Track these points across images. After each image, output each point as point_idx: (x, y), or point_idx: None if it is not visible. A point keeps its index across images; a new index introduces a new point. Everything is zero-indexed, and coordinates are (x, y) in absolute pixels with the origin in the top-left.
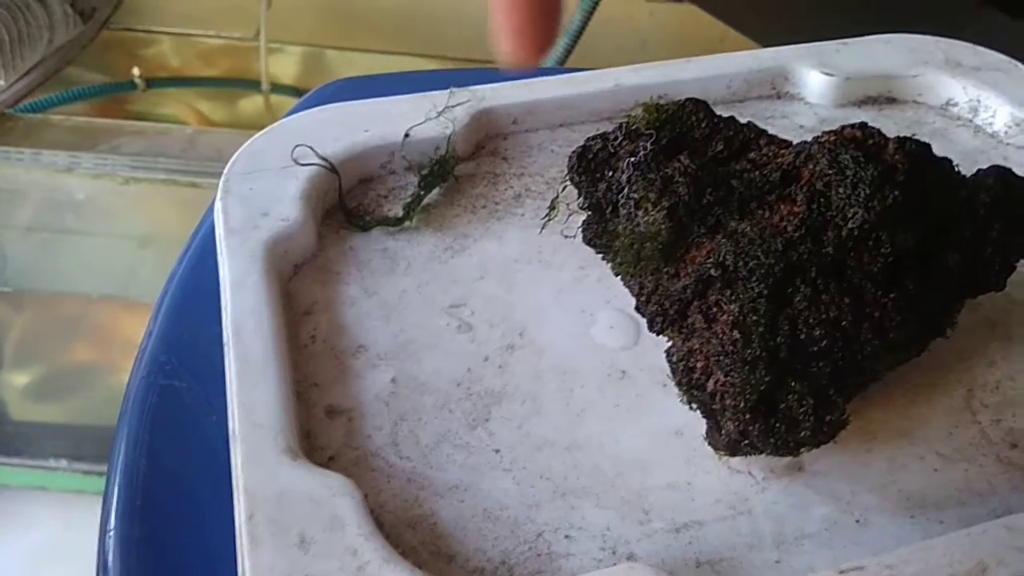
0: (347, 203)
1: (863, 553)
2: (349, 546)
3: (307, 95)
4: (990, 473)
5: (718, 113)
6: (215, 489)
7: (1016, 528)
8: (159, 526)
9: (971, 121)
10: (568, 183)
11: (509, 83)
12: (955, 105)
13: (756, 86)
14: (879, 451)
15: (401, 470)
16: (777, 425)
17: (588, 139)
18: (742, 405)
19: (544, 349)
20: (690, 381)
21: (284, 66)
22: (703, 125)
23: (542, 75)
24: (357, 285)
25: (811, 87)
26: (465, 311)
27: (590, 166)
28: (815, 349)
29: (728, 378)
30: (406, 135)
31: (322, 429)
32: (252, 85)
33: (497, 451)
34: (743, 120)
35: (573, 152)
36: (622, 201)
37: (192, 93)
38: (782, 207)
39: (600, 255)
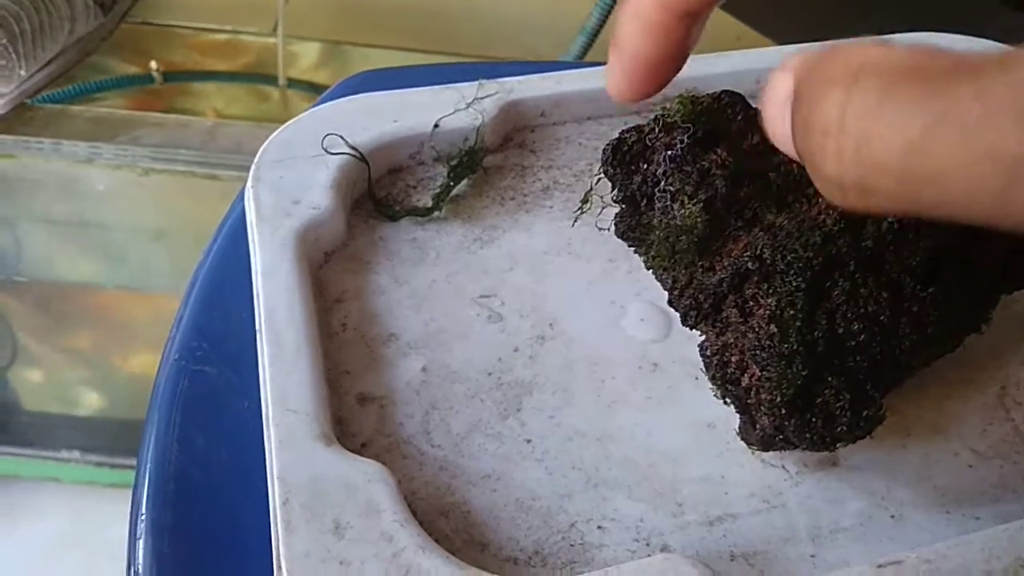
0: (376, 193)
1: (898, 548)
2: (385, 532)
3: (334, 86)
4: None
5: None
6: (247, 475)
7: None
8: (191, 511)
9: None
10: (601, 176)
11: (537, 76)
12: None
13: None
14: (914, 447)
15: (433, 458)
16: (813, 420)
17: (623, 131)
18: (778, 400)
19: (574, 340)
20: (724, 376)
21: (301, 61)
22: (739, 118)
23: (569, 68)
24: (387, 274)
25: None
26: (495, 301)
27: (624, 158)
28: (853, 344)
29: (764, 372)
30: (435, 126)
31: (354, 416)
32: (269, 80)
33: (529, 441)
34: None
35: (608, 144)
36: (658, 194)
37: (209, 87)
38: (820, 200)
39: (632, 248)
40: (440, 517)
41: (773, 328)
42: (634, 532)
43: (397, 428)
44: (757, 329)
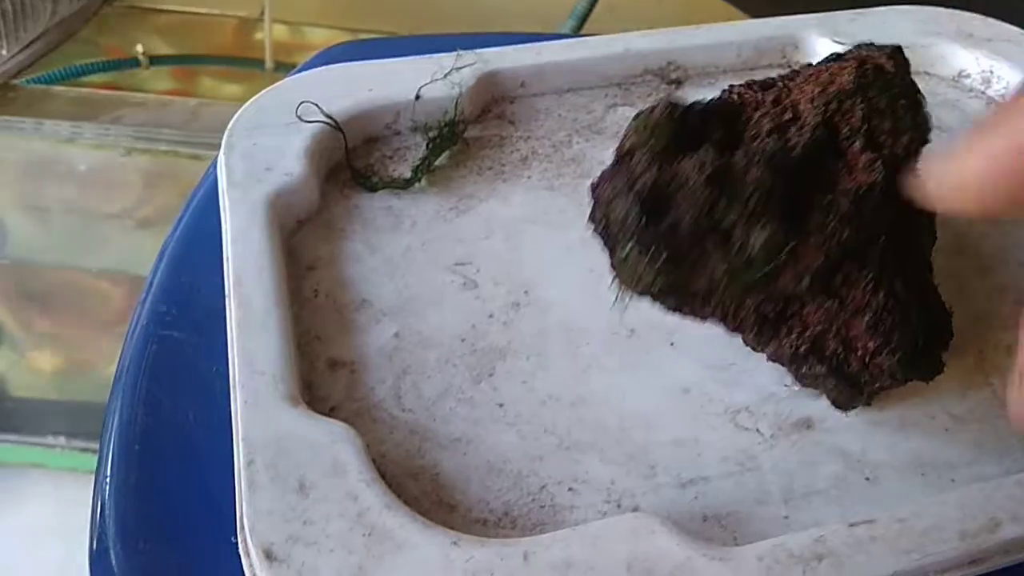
0: (354, 163)
1: (872, 509)
2: (350, 491)
3: (313, 56)
4: (1003, 434)
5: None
6: (214, 438)
7: None
8: (156, 472)
9: (983, 92)
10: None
11: (516, 47)
12: (967, 76)
13: (766, 54)
14: (890, 410)
15: (404, 422)
16: (926, 361)
17: (623, 191)
18: (901, 358)
19: (550, 307)
20: (830, 364)
21: (288, 45)
22: (696, 121)
23: (550, 40)
24: (361, 242)
25: (821, 56)
26: (470, 269)
27: (655, 212)
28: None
29: (887, 338)
30: (417, 96)
31: (324, 381)
32: (256, 64)
33: (501, 405)
34: None
35: (626, 209)
36: (716, 231)
37: (195, 71)
38: (850, 160)
39: (670, 305)
40: (409, 479)
41: (881, 298)
42: (605, 494)
43: (368, 392)
44: (866, 304)
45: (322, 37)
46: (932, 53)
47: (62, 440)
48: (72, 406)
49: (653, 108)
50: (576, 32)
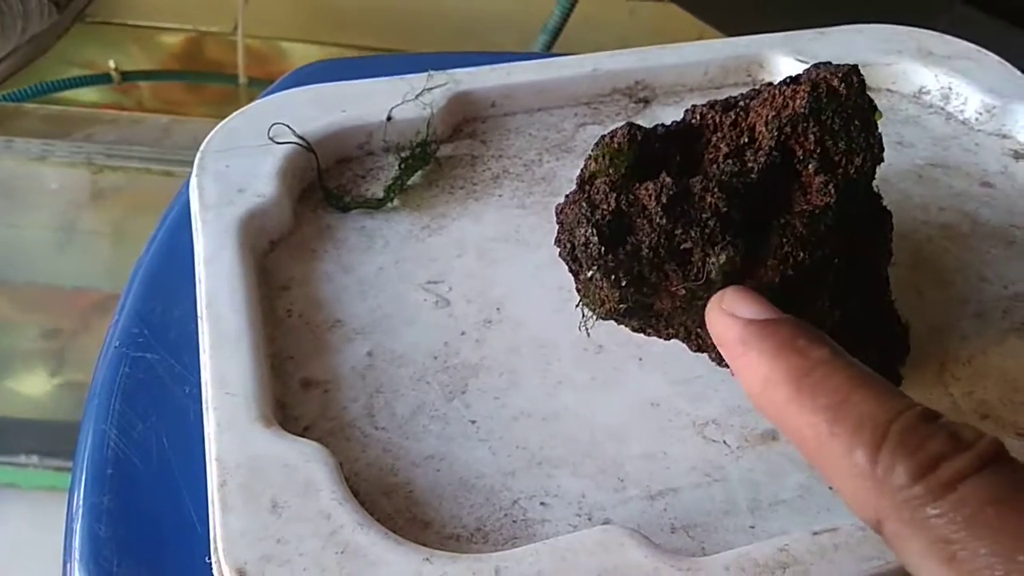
0: (326, 183)
1: (836, 519)
2: (322, 510)
3: (284, 76)
4: None
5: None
6: (186, 459)
7: None
8: (129, 494)
9: (943, 108)
10: (599, 265)
11: (487, 67)
12: (927, 93)
13: (732, 73)
14: None
15: (377, 440)
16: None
17: (583, 218)
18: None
19: (521, 324)
20: None
21: (262, 60)
22: (656, 145)
23: (521, 59)
24: (334, 262)
25: (785, 75)
26: (443, 287)
27: (614, 240)
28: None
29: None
30: (389, 117)
31: (297, 401)
32: (229, 79)
33: (473, 422)
34: None
35: (586, 236)
36: (674, 256)
37: (168, 87)
38: (804, 181)
39: (633, 326)
40: (382, 497)
41: (837, 316)
42: (576, 508)
43: (341, 412)
44: (822, 323)
45: (296, 52)
46: (893, 70)
47: (35, 459)
48: (45, 425)
49: (614, 134)
50: (549, 46)
